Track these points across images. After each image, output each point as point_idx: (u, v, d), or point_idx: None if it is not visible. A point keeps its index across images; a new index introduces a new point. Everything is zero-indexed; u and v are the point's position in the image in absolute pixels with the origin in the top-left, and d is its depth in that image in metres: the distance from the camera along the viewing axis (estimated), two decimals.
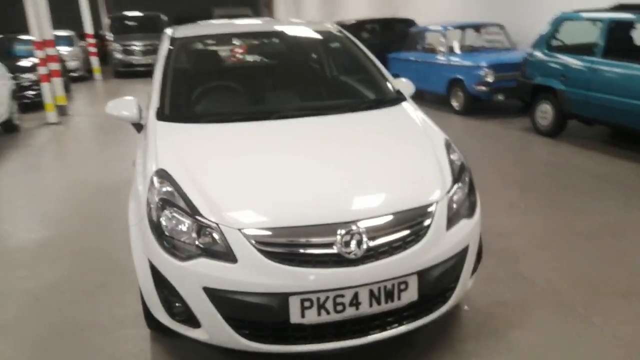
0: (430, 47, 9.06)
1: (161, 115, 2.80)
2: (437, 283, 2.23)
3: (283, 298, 2.00)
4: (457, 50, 8.44)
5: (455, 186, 2.38)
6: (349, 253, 2.03)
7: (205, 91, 3.27)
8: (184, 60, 3.51)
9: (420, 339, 2.58)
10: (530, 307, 2.84)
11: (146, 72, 15.32)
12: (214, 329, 2.08)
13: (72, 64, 14.68)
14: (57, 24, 17.10)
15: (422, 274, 2.14)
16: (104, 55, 16.66)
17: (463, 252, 2.31)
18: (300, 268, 2.01)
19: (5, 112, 7.70)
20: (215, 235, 2.05)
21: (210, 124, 2.74)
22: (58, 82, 9.56)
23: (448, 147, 2.62)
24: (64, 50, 15.11)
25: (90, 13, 15.78)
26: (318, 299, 2.01)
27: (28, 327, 2.83)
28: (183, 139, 2.58)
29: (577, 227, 3.84)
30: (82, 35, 17.11)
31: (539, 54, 6.45)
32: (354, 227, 2.06)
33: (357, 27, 11.44)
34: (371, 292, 2.06)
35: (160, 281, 2.13)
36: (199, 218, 2.08)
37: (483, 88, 7.60)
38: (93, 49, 15.49)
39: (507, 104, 8.42)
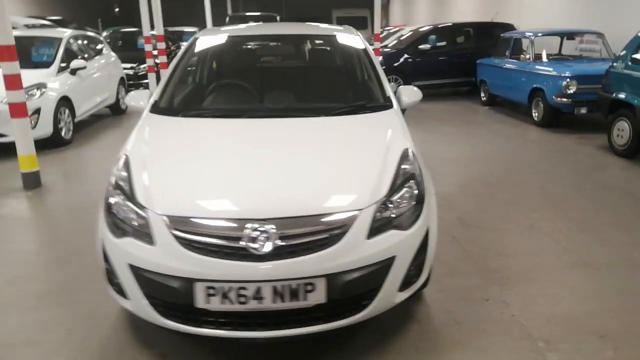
0: (517, 54, 8.57)
1: (154, 108, 3.10)
2: (350, 290, 2.24)
3: (190, 283, 2.16)
4: (544, 58, 7.89)
5: (391, 194, 2.37)
6: (255, 249, 2.14)
7: (207, 88, 3.53)
8: (198, 59, 3.79)
9: (352, 342, 2.60)
10: (488, 333, 2.70)
11: None
12: (137, 303, 2.31)
13: None
14: (187, 20, 18.88)
15: (331, 278, 2.18)
16: None
17: (386, 263, 2.29)
18: (207, 257, 2.16)
19: (112, 97, 8.84)
20: (143, 219, 2.27)
21: (190, 119, 2.98)
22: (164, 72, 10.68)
23: (403, 157, 2.59)
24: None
25: (211, 12, 17.10)
26: (222, 288, 2.15)
27: None
28: (159, 130, 2.86)
29: (595, 258, 3.51)
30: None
31: (620, 67, 5.85)
32: (261, 225, 2.16)
33: (452, 31, 11.14)
34: (274, 289, 2.15)
35: (104, 254, 2.41)
36: (134, 201, 2.33)
37: (564, 99, 7.05)
38: None
39: (592, 118, 7.72)
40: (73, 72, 7.33)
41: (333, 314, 2.26)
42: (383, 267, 2.29)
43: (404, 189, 2.46)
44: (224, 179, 2.42)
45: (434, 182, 4.47)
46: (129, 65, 10.72)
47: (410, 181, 2.51)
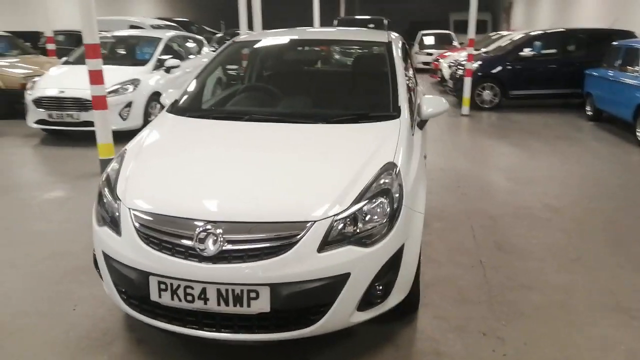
0: (628, 65, 7.64)
1: (171, 108, 3.27)
2: (296, 302, 2.19)
3: (145, 276, 2.25)
4: None
5: (354, 208, 2.27)
6: (202, 250, 2.18)
7: (227, 91, 3.62)
8: (228, 62, 3.90)
9: (321, 355, 2.53)
10: None
11: None
12: (108, 287, 2.46)
13: None
14: (295, 22, 19.57)
15: (275, 288, 2.15)
16: None
17: (338, 279, 2.19)
18: (161, 253, 2.24)
19: None
20: (117, 210, 2.42)
21: (194, 119, 3.09)
22: None
23: (383, 172, 2.46)
24: None
25: (321, 14, 17.48)
26: (172, 284, 2.21)
27: None
28: (161, 129, 3.01)
29: (637, 306, 3.03)
30: None
31: None
32: (212, 227, 2.19)
33: (563, 37, 10.26)
34: (219, 292, 2.17)
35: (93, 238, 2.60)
36: (113, 193, 2.48)
37: None
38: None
39: None
40: (167, 70, 7.95)
41: (279, 325, 2.22)
42: (335, 283, 2.20)
43: (374, 205, 2.34)
44: (193, 179, 2.49)
45: (490, 199, 4.14)
46: (235, 66, 11.34)
47: (384, 197, 2.37)
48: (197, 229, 2.20)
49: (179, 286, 2.20)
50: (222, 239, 2.18)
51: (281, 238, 2.18)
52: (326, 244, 2.20)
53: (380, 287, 2.36)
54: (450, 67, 11.43)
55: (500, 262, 3.56)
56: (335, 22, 17.84)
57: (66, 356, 2.55)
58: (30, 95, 7.07)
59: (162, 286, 2.23)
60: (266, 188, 2.39)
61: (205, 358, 2.54)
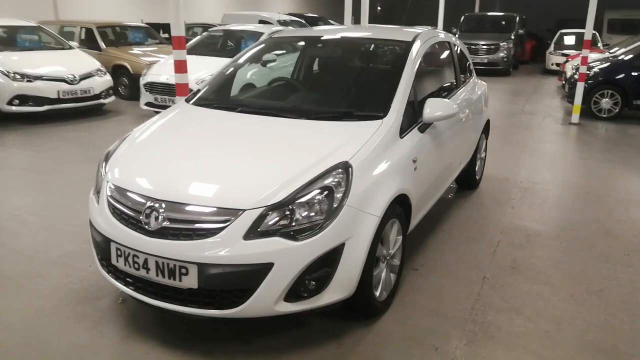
0: None
1: (190, 96, 3.56)
2: (220, 283, 2.35)
3: (108, 242, 2.58)
4: None
5: (287, 202, 2.36)
6: (147, 224, 2.43)
7: (248, 82, 3.80)
8: (258, 56, 4.09)
9: (261, 341, 2.66)
10: None
11: (485, 71, 15.64)
12: (93, 251, 2.82)
13: None
14: (422, 19, 19.27)
15: (202, 267, 2.33)
16: None
17: (261, 268, 2.31)
18: (119, 223, 2.54)
19: None
20: (102, 182, 2.77)
21: (200, 107, 3.34)
22: None
23: (332, 170, 2.50)
24: None
25: (451, 10, 16.95)
26: (124, 252, 2.50)
27: None
28: (169, 114, 3.31)
29: (633, 351, 2.65)
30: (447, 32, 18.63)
31: None
32: (157, 204, 2.43)
33: None
34: (157, 264, 2.41)
35: None
36: (104, 168, 2.84)
37: None
38: None
39: None
40: (264, 64, 8.42)
41: (206, 302, 2.40)
42: (258, 271, 2.31)
43: (310, 201, 2.40)
44: (159, 161, 2.76)
45: (542, 216, 3.89)
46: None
47: (322, 194, 2.42)
48: (145, 205, 2.46)
49: (129, 254, 2.49)
50: (163, 216, 2.41)
51: (212, 222, 2.36)
52: (254, 232, 2.32)
53: (312, 282, 2.42)
54: (573, 70, 10.44)
55: (504, 282, 3.33)
56: (462, 18, 17.17)
57: (63, 301, 2.99)
58: (142, 80, 8.02)
59: (118, 252, 2.53)
60: (214, 174, 2.57)
61: (170, 326, 2.80)
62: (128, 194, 2.58)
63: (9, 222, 4.13)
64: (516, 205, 4.72)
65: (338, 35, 4.13)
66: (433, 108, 3.19)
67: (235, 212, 2.34)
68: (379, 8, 30.68)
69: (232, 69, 3.82)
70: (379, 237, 2.69)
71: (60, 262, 3.47)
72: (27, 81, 7.70)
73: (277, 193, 2.39)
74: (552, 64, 16.34)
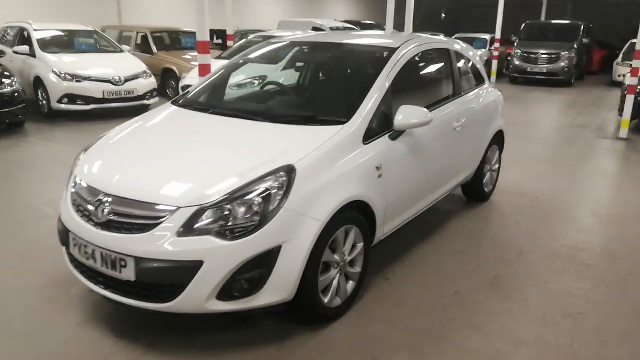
0: None
1: (176, 98, 3.68)
2: (153, 277, 2.43)
3: (67, 232, 2.74)
4: None
5: (222, 202, 2.41)
6: (95, 216, 2.56)
7: (229, 85, 3.85)
8: (253, 59, 4.14)
9: (205, 334, 2.72)
10: None
11: (545, 81, 15.01)
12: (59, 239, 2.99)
13: None
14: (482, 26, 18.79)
15: (138, 261, 2.42)
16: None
17: (191, 265, 2.37)
18: (75, 214, 2.70)
19: None
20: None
21: (182, 109, 3.45)
22: None
23: (272, 173, 2.53)
24: (478, 53, 16.56)
25: (510, 18, 16.39)
26: (78, 242, 2.65)
27: None
28: (149, 115, 3.45)
29: None
30: (506, 40, 18.07)
31: None
32: (105, 198, 2.56)
33: None
34: (102, 255, 2.53)
35: None
36: (74, 165, 3.02)
37: None
38: (496, 53, 16.20)
39: None
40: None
41: (142, 294, 2.49)
42: (188, 268, 2.38)
43: (245, 202, 2.43)
44: (118, 157, 2.91)
45: (545, 231, 3.77)
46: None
47: (262, 196, 2.45)
48: (96, 198, 2.60)
49: (81, 244, 2.63)
50: (109, 209, 2.53)
51: (150, 217, 2.45)
52: (187, 230, 2.39)
53: (245, 282, 2.45)
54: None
55: (475, 298, 3.19)
56: (523, 26, 16.53)
57: (41, 284, 3.20)
58: (181, 83, 8.37)
59: (74, 242, 2.68)
60: (161, 172, 2.67)
61: (124, 316, 2.92)
62: (85, 187, 2.72)
63: (26, 211, 4.46)
64: (521, 221, 4.51)
65: (324, 41, 4.13)
66: (405, 115, 3.13)
67: (170, 209, 2.42)
68: (442, 15, 30.17)
69: (222, 72, 3.92)
70: (326, 242, 2.67)
71: (54, 249, 3.69)
72: (76, 81, 8.26)
73: (213, 192, 2.45)
74: (619, 75, 15.34)
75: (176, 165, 2.73)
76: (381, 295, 3.18)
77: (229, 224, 2.41)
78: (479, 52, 16.45)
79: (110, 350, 2.61)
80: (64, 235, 2.77)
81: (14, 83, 7.35)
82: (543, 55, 15.11)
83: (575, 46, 15.32)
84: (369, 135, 3.03)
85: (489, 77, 16.20)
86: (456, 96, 4.09)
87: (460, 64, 4.31)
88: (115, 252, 2.47)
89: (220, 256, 2.38)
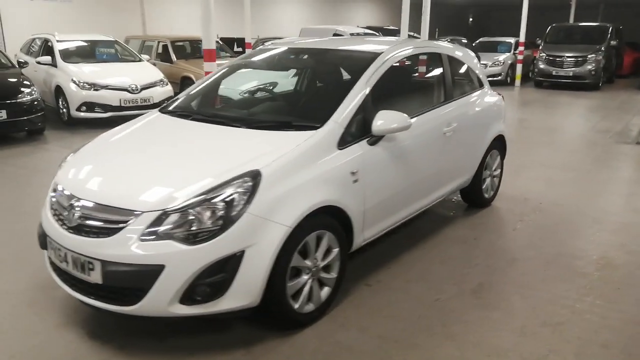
0: None
1: (164, 106, 3.74)
2: (118, 280, 2.48)
3: (45, 235, 2.82)
4: None
5: (184, 206, 2.44)
6: (67, 220, 2.63)
7: (216, 92, 3.90)
8: (242, 66, 4.17)
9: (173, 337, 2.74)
10: None
11: (571, 85, 14.64)
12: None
13: (492, 69, 15.69)
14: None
15: (104, 264, 2.47)
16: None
17: (153, 269, 2.39)
18: (52, 218, 2.77)
19: None
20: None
21: (166, 115, 3.50)
22: None
23: (239, 178, 2.55)
24: (502, 56, 16.31)
25: (533, 22, 16.08)
26: (54, 245, 2.72)
27: None
28: (137, 122, 3.51)
29: None
30: (532, 44, 17.73)
31: None
32: (76, 202, 2.63)
33: None
34: (73, 258, 2.59)
35: None
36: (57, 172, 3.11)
37: None
38: (520, 57, 15.90)
39: None
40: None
41: (109, 297, 2.54)
42: (150, 272, 2.41)
43: (207, 207, 2.45)
44: (94, 163, 2.98)
45: (542, 239, 3.81)
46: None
47: (225, 201, 2.47)
48: (69, 202, 2.67)
49: (56, 248, 2.70)
50: (79, 213, 2.60)
51: (115, 221, 2.50)
52: (150, 234, 2.43)
53: (207, 287, 2.46)
54: None
55: (456, 306, 3.13)
56: (549, 29, 16.17)
57: (30, 285, 3.29)
58: None
59: (51, 245, 2.76)
60: (130, 178, 2.72)
61: (99, 319, 2.96)
62: (62, 192, 2.80)
63: (32, 217, 4.60)
64: (520, 228, 4.40)
65: (309, 47, 4.13)
66: (383, 120, 3.10)
67: (135, 214, 2.47)
68: (470, 19, 29.82)
69: (209, 79, 3.98)
70: (295, 248, 2.67)
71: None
72: (94, 90, 8.50)
73: (176, 197, 2.48)
74: None
75: (146, 170, 2.77)
76: (360, 302, 3.15)
77: (192, 228, 2.43)
78: (503, 57, 16.20)
79: (82, 352, 2.66)
80: (43, 239, 2.85)
81: (33, 92, 7.62)
82: (569, 59, 14.74)
83: (602, 49, 14.90)
84: (346, 141, 3.01)
85: (513, 81, 16.03)
86: (448, 101, 4.03)
87: (454, 68, 4.25)
88: (84, 255, 2.53)
89: (182, 261, 2.40)
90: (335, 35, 14.89)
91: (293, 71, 4.18)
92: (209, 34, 6.15)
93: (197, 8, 15.85)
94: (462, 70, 4.43)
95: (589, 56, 14.56)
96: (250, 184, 2.54)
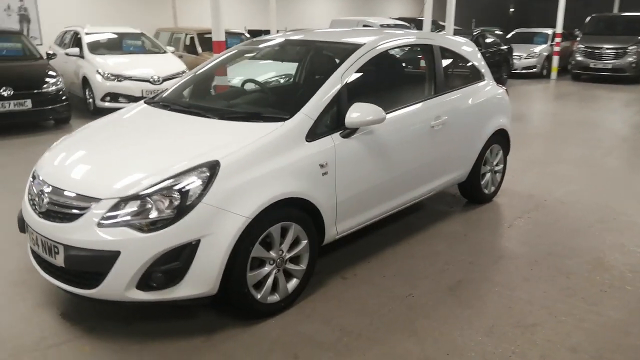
0: None
1: (152, 97, 3.80)
2: (79, 264, 2.56)
3: (23, 220, 2.93)
4: None
5: (140, 194, 2.50)
6: (37, 206, 2.73)
7: (201, 84, 3.94)
8: (230, 58, 4.19)
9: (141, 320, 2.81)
10: None
11: (610, 78, 14.04)
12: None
13: (527, 61, 15.21)
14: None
15: (66, 248, 2.56)
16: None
17: (109, 254, 2.46)
18: (28, 203, 2.88)
19: None
20: None
21: (147, 105, 3.55)
22: None
23: (197, 168, 2.58)
24: (538, 48, 15.78)
25: (573, 12, 15.45)
26: (28, 228, 2.83)
27: None
28: (126, 111, 3.59)
29: None
30: (571, 35, 17.08)
31: None
32: (46, 188, 2.73)
33: None
34: (42, 241, 2.70)
35: None
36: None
37: None
38: (557, 48, 15.33)
39: None
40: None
41: (73, 280, 2.63)
42: (107, 257, 2.47)
43: (162, 196, 2.50)
44: (70, 150, 3.06)
45: (537, 237, 3.92)
46: None
47: (180, 190, 2.50)
48: (40, 188, 2.77)
49: (30, 232, 2.81)
50: (47, 199, 2.69)
51: (78, 207, 2.58)
52: (107, 220, 2.49)
53: (162, 274, 2.51)
54: None
55: (428, 302, 3.07)
56: (588, 19, 15.51)
57: (19, 267, 3.42)
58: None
59: (28, 229, 2.87)
60: (97, 165, 2.82)
61: (75, 302, 3.05)
62: (37, 178, 2.91)
63: None
64: (516, 225, 4.27)
65: (296, 39, 4.10)
66: (356, 113, 3.07)
67: (94, 200, 2.54)
68: (511, 10, 28.94)
69: (200, 70, 4.03)
70: (255, 239, 2.68)
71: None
72: (118, 81, 8.75)
73: (134, 185, 2.53)
74: None
75: (111, 159, 2.84)
76: (332, 295, 3.14)
77: (148, 216, 2.48)
78: (538, 48, 15.66)
79: (51, 331, 2.77)
80: (22, 223, 2.97)
81: (58, 83, 7.90)
82: (608, 51, 14.11)
83: None
84: (316, 133, 3.00)
85: (549, 73, 15.46)
86: (438, 94, 3.93)
87: (448, 60, 4.15)
88: (51, 239, 2.62)
89: (137, 248, 2.45)
90: (364, 26, 14.81)
91: (273, 63, 4.18)
92: (219, 26, 6.22)
93: (227, 1, 16.14)
94: (459, 62, 4.32)
95: (630, 48, 13.88)
96: (207, 174, 2.57)
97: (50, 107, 7.72)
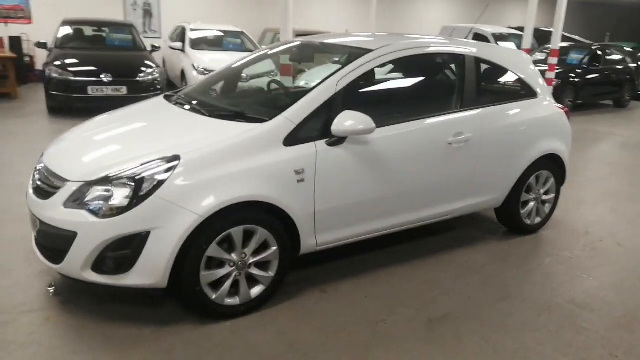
0: None
1: (173, 92, 3.93)
2: (47, 239, 2.75)
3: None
4: None
5: (98, 181, 2.61)
6: (32, 182, 2.97)
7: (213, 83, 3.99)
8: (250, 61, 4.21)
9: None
10: None
11: None
12: None
13: None
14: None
15: (40, 223, 2.76)
16: None
17: (68, 234, 2.60)
18: (30, 181, 3.13)
19: None
20: None
21: (164, 100, 3.66)
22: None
23: (154, 161, 2.65)
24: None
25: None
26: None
27: None
28: (141, 103, 3.76)
29: None
30: None
31: None
32: (38, 166, 2.96)
33: None
34: (30, 214, 2.93)
35: None
36: None
37: None
38: None
39: None
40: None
41: (46, 254, 2.82)
42: (67, 237, 2.62)
43: (117, 185, 2.60)
44: (72, 137, 3.26)
45: (564, 282, 3.52)
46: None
47: (135, 181, 2.58)
48: (36, 166, 3.01)
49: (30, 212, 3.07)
50: (38, 176, 2.92)
51: (52, 187, 2.77)
52: (71, 202, 2.65)
53: (112, 260, 2.60)
54: None
55: (396, 332, 2.83)
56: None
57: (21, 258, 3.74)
58: None
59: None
60: (82, 150, 3.00)
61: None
62: (40, 162, 3.16)
63: None
64: (548, 264, 3.77)
65: (311, 42, 3.99)
66: (344, 121, 2.91)
67: (65, 182, 2.70)
68: None
69: (222, 70, 4.13)
70: (211, 238, 2.67)
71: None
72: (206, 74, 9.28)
73: (99, 171, 2.66)
74: None
75: (98, 146, 3.01)
76: (301, 307, 3.03)
77: (104, 203, 2.58)
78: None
79: (32, 299, 3.00)
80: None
81: (154, 73, 8.56)
82: None
83: None
84: (297, 138, 2.90)
85: None
86: (463, 109, 3.58)
87: (485, 73, 3.77)
88: (33, 214, 2.85)
89: (90, 231, 2.57)
90: (475, 35, 14.16)
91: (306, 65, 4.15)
92: (287, 27, 6.35)
93: (336, 6, 16.34)
94: (501, 75, 3.91)
95: None
96: (164, 167, 2.60)
97: (144, 94, 8.35)
